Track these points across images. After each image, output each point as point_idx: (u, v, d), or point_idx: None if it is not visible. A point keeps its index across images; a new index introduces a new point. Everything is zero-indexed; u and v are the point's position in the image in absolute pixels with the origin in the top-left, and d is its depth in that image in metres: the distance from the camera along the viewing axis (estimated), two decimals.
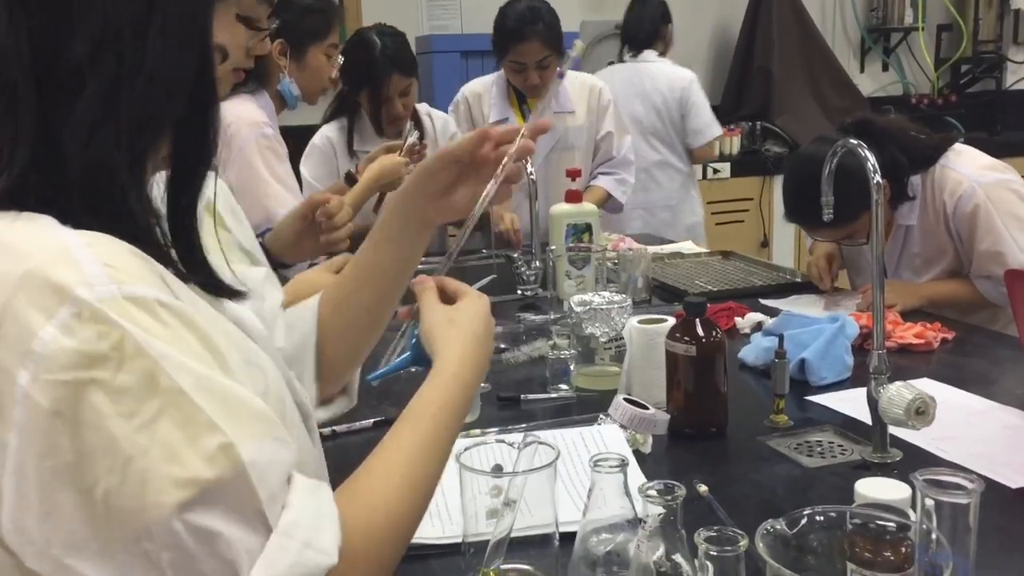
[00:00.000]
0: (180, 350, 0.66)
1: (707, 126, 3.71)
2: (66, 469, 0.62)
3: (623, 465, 1.04)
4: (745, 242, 4.69)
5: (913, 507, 0.87)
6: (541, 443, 1.10)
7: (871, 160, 1.26)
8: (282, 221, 1.96)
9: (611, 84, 3.37)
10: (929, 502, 0.63)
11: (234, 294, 0.85)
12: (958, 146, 2.18)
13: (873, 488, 1.00)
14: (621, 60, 3.87)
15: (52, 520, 0.62)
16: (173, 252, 0.78)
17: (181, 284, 0.75)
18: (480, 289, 1.04)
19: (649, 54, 3.77)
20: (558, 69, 2.94)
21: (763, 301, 2.28)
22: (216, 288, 0.82)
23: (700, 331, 1.47)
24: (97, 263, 0.65)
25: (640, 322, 1.62)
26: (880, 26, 5.50)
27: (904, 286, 2.18)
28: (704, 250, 2.87)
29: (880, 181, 1.26)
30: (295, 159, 2.86)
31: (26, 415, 0.62)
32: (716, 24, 5.28)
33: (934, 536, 0.64)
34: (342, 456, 1.23)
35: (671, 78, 3.68)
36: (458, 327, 0.95)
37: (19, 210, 0.68)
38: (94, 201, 0.70)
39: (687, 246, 2.93)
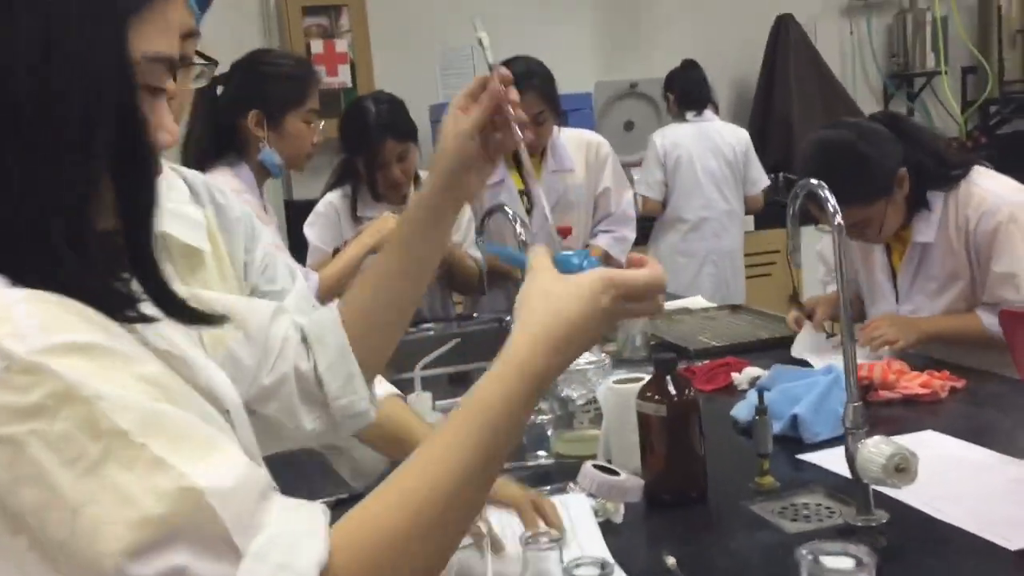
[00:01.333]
0: (120, 389, 0.63)
1: (761, 175, 4.18)
2: (14, 526, 0.60)
3: (556, 542, 0.96)
4: (772, 297, 4.57)
5: None
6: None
7: (831, 201, 1.18)
8: None
9: (684, 141, 3.99)
10: None
11: (212, 320, 0.80)
12: (981, 168, 2.09)
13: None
14: (682, 119, 4.16)
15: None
16: (137, 290, 0.74)
17: (125, 333, 0.71)
18: (436, 358, 0.98)
19: (708, 113, 4.17)
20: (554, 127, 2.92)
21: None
22: (191, 317, 0.78)
23: (672, 389, 1.39)
24: (29, 316, 0.63)
25: (616, 382, 1.54)
26: (902, 72, 5.42)
27: (906, 321, 2.07)
28: (712, 304, 2.77)
29: (841, 223, 1.18)
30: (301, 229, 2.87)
31: None
32: (734, 76, 5.25)
33: None
34: None
35: (736, 134, 4.14)
36: (554, 302, 0.81)
37: None
38: (37, 264, 0.67)
39: (696, 301, 2.84)
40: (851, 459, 1.22)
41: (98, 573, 0.59)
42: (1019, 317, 1.41)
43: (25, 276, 0.67)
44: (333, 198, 2.83)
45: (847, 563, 0.55)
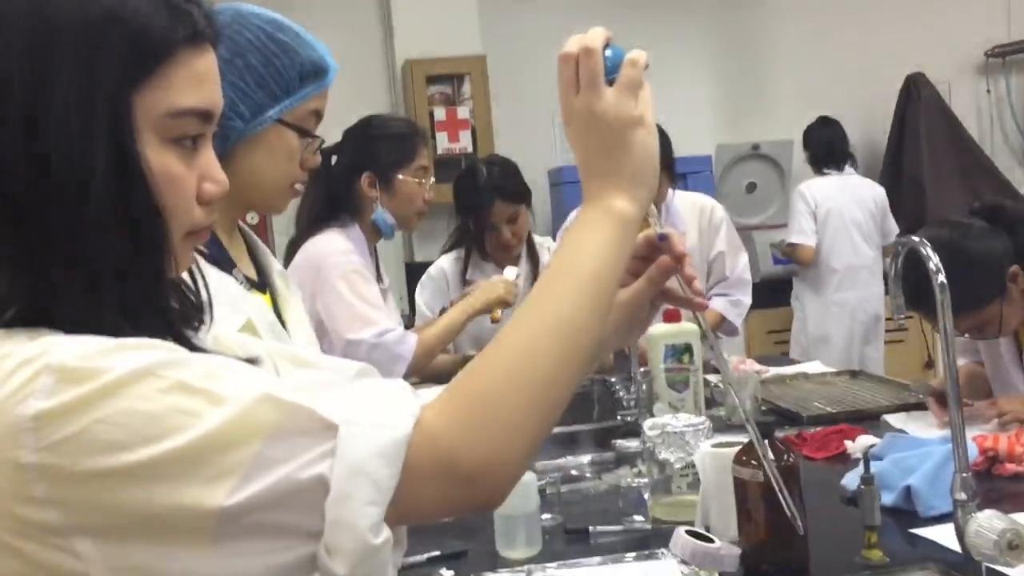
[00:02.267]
0: (165, 351, 0.67)
1: (896, 227, 4.29)
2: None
3: None
4: (905, 363, 4.38)
5: None
6: None
7: (933, 259, 1.12)
8: None
9: (830, 192, 4.16)
10: None
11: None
12: None
13: None
14: (822, 173, 4.32)
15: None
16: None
17: None
18: None
19: (848, 168, 4.32)
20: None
21: (887, 418, 2.08)
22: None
23: (770, 454, 1.33)
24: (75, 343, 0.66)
25: (715, 445, 1.49)
26: None
27: None
28: (831, 370, 2.67)
29: (944, 281, 1.12)
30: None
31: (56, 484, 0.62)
32: (862, 137, 5.10)
33: None
34: None
35: (874, 188, 4.32)
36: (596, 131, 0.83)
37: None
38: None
39: (815, 366, 2.74)
40: (960, 534, 1.14)
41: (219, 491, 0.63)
42: None
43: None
44: (445, 262, 2.88)
45: None
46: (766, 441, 1.35)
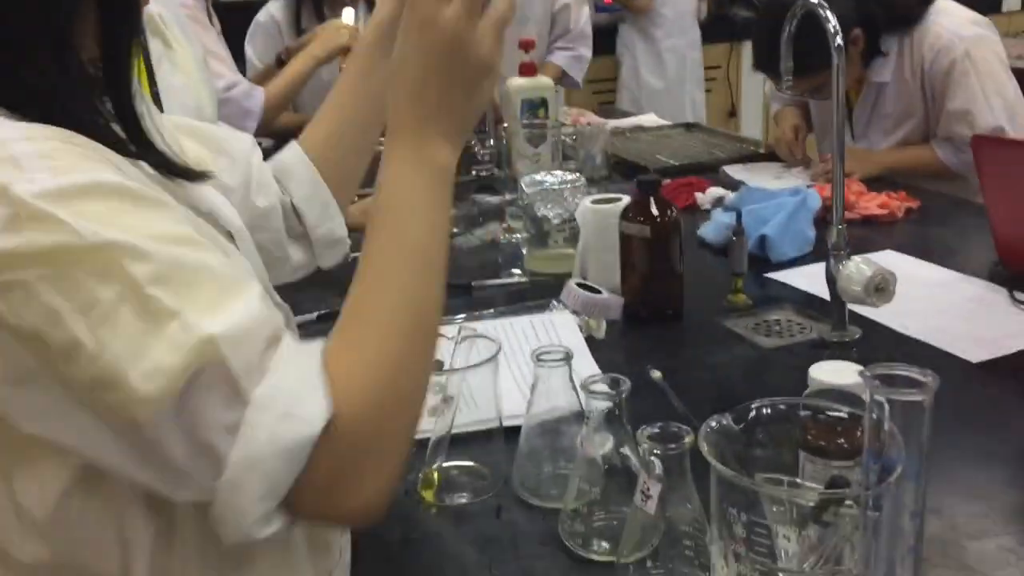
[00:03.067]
0: (131, 234, 0.60)
1: None
2: (43, 372, 0.60)
3: (567, 358, 0.99)
4: (711, 112, 4.58)
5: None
6: (479, 336, 1.05)
7: (832, 21, 1.17)
8: None
9: None
10: (879, 398, 0.57)
11: (191, 175, 0.78)
12: (941, 2, 2.08)
13: (827, 372, 0.96)
14: None
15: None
16: (119, 132, 0.72)
17: (133, 168, 0.69)
18: None
19: None
20: None
21: (726, 169, 2.21)
22: (169, 168, 0.75)
23: (655, 210, 1.40)
24: (35, 156, 0.60)
25: (594, 202, 1.54)
26: None
27: (863, 153, 2.11)
28: (666, 123, 2.77)
29: (841, 44, 1.17)
30: (240, 37, 2.71)
31: None
32: None
33: (885, 431, 0.60)
34: None
35: None
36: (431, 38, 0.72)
37: None
38: (25, 93, 0.65)
39: (649, 119, 2.83)
40: (832, 279, 1.26)
41: (117, 420, 0.60)
42: (990, 142, 1.45)
43: (21, 108, 0.65)
44: (274, 8, 2.68)
45: (920, 378, 0.58)
46: (652, 198, 1.42)
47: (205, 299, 0.61)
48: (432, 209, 0.73)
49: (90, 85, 0.71)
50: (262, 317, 0.63)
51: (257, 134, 2.14)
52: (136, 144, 0.73)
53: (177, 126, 0.95)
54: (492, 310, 1.47)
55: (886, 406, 0.58)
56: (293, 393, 0.62)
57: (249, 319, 0.62)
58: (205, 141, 0.99)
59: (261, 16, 2.68)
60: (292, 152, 1.06)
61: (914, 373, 0.57)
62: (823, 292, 1.42)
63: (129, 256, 0.59)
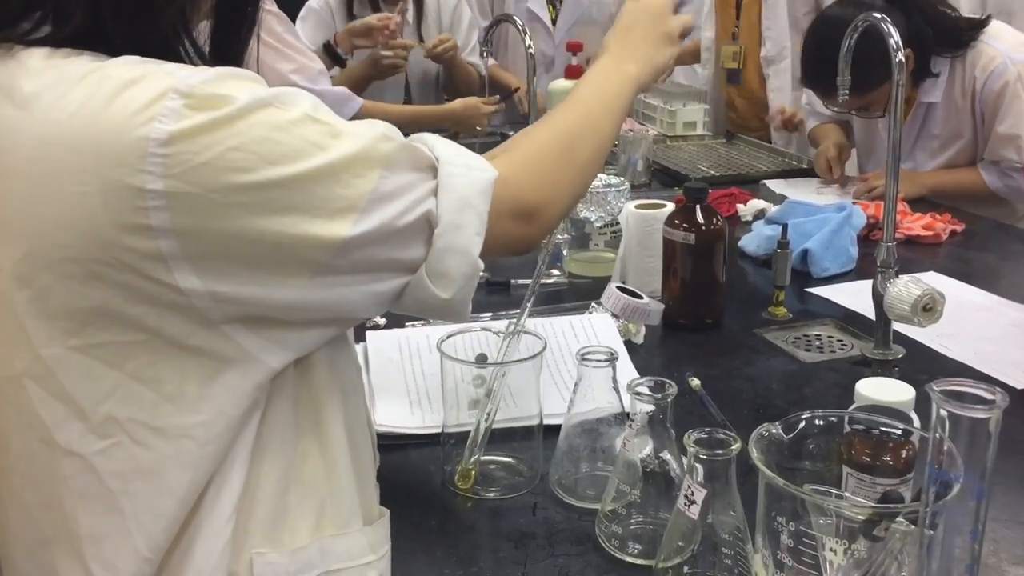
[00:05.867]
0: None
1: None
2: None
3: (612, 359, 0.99)
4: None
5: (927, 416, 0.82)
6: (527, 332, 1.05)
7: (894, 36, 1.16)
8: None
9: None
10: (943, 413, 0.57)
11: None
12: (995, 25, 2.06)
13: (874, 388, 0.95)
14: None
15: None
16: None
17: None
18: None
19: None
20: None
21: (767, 183, 2.20)
22: None
23: (700, 218, 1.40)
24: (181, 67, 0.65)
25: (638, 207, 1.54)
26: None
27: (907, 174, 2.09)
28: (707, 133, 2.76)
29: (903, 59, 1.16)
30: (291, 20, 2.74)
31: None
32: None
33: (946, 449, 0.59)
34: None
35: None
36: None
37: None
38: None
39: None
40: (878, 296, 1.25)
41: (355, 191, 0.67)
42: None
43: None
44: None
45: (987, 395, 0.57)
46: (698, 206, 1.41)
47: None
48: (613, 96, 0.93)
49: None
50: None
51: None
52: None
53: None
54: (537, 308, 1.46)
55: (947, 422, 0.57)
56: (463, 155, 0.75)
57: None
58: None
59: (314, 2, 2.70)
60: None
61: (981, 390, 0.56)
62: (864, 310, 1.41)
63: (285, 97, 0.66)
